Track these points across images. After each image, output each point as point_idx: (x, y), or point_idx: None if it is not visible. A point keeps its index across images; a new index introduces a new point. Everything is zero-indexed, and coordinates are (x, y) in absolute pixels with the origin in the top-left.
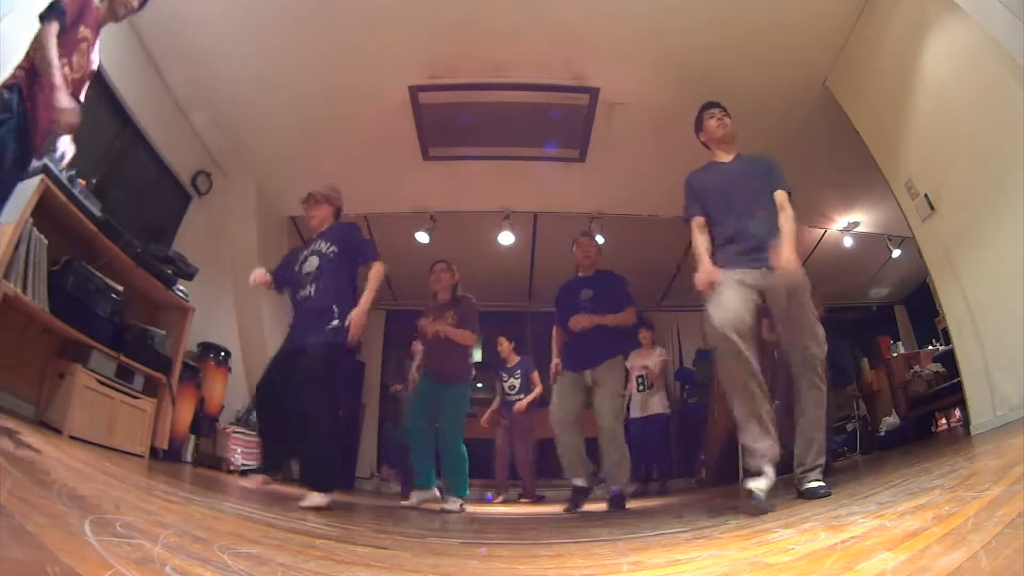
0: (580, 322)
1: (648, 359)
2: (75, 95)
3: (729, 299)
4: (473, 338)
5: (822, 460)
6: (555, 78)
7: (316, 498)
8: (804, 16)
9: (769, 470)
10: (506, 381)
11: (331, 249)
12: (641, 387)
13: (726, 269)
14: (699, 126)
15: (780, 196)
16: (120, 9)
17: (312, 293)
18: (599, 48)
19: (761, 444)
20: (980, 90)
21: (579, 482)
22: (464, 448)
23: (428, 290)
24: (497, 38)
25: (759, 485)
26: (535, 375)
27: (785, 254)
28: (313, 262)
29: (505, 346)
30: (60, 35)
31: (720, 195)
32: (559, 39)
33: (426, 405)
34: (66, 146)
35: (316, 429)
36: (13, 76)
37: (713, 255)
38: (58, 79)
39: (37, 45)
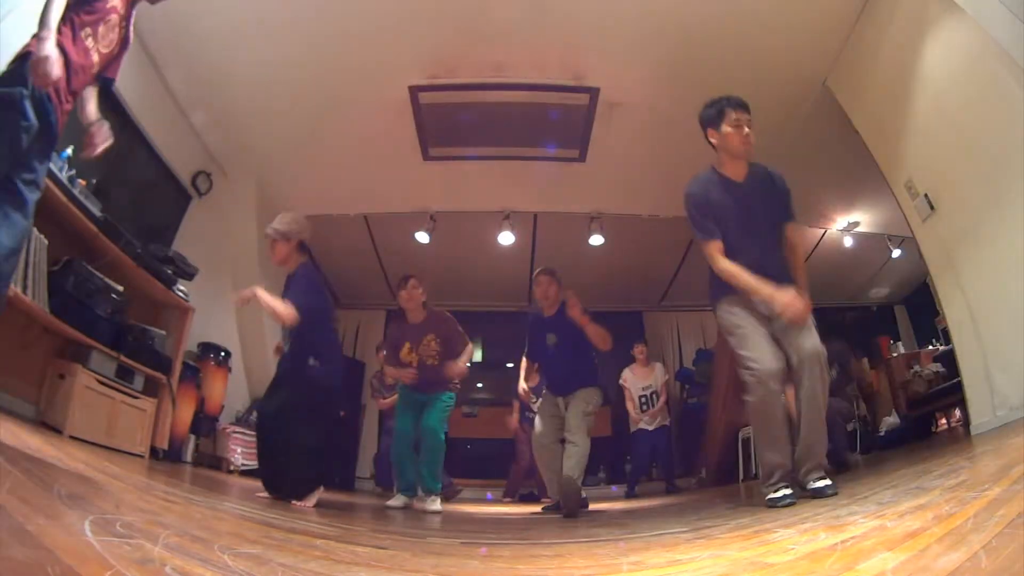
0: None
1: (648, 378)
2: (104, 70)
3: (763, 347)
4: (471, 350)
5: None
6: (555, 78)
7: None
8: (804, 16)
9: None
10: (534, 402)
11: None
12: (645, 407)
13: (742, 307)
14: (715, 124)
15: (793, 231)
16: None
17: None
18: (599, 48)
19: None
20: (980, 90)
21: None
22: (443, 439)
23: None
24: (497, 38)
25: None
26: None
27: (799, 306)
28: None
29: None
30: (77, 4)
31: (739, 221)
32: (559, 39)
33: (410, 413)
34: (90, 96)
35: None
36: (27, 46)
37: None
38: (44, 32)
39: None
